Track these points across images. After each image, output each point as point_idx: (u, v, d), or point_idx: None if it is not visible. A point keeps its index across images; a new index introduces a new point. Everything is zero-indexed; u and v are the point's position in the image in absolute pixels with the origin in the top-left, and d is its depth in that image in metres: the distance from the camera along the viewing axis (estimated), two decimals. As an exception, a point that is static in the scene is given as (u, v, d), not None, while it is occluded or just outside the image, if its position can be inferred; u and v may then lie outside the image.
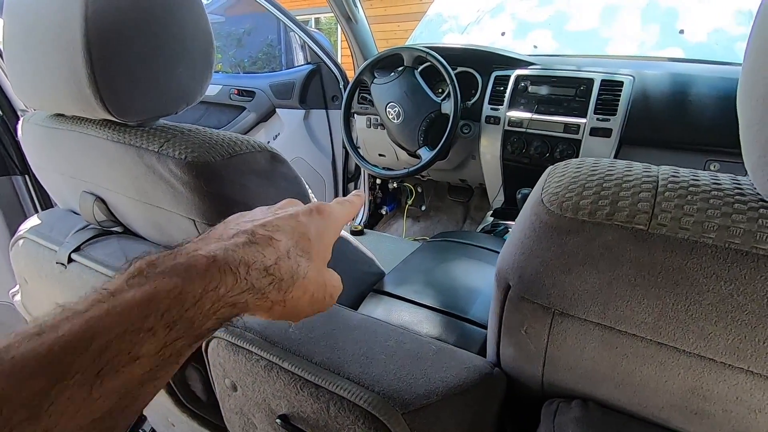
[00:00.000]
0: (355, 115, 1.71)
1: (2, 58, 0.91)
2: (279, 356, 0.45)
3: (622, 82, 1.21)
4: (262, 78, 1.91)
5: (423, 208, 2.16)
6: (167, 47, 0.53)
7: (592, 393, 0.38)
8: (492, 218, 1.48)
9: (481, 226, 1.49)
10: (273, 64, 4.05)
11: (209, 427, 0.63)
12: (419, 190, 2.12)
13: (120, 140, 0.56)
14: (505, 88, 1.40)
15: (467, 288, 0.78)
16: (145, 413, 0.93)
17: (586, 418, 0.36)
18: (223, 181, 0.53)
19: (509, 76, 1.40)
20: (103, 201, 0.66)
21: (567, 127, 1.29)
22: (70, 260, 0.63)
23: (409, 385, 0.41)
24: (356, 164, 2.04)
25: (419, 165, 1.36)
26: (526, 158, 1.41)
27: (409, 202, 2.10)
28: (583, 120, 1.25)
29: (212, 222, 0.54)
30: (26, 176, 0.99)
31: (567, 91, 1.30)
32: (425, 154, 1.36)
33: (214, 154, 0.53)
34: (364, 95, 1.63)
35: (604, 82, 1.23)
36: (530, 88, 1.36)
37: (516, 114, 1.37)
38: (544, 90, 1.34)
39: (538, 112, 1.34)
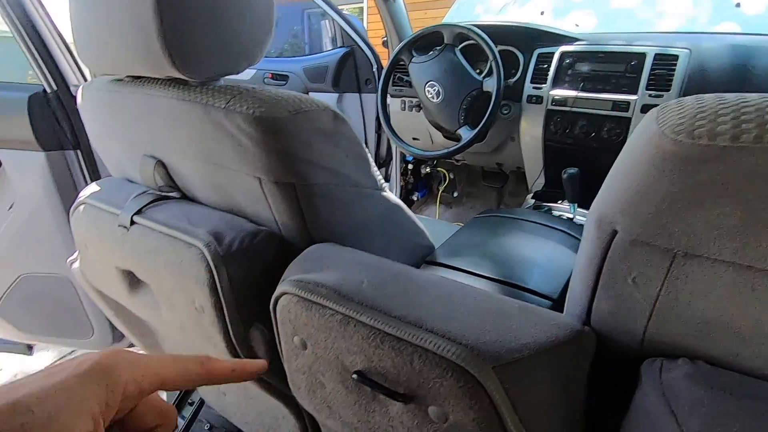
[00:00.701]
0: (389, 98, 1.69)
1: (58, 32, 0.93)
2: (356, 310, 0.44)
3: (677, 56, 1.15)
4: (296, 62, 1.91)
5: (455, 194, 2.12)
6: (232, 5, 0.52)
7: (702, 348, 0.35)
8: (533, 200, 1.44)
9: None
10: (299, 54, 4.06)
11: (270, 390, 0.63)
12: (452, 176, 2.09)
13: (185, 98, 0.55)
14: (549, 66, 1.35)
15: (525, 260, 0.75)
16: (194, 383, 0.94)
17: (698, 375, 0.34)
18: (289, 136, 0.52)
19: (553, 54, 1.35)
20: (163, 165, 0.66)
21: (616, 104, 1.23)
22: (132, 223, 0.63)
23: (498, 340, 0.39)
24: (387, 149, 2.02)
25: (460, 144, 1.33)
26: (569, 138, 1.36)
27: (442, 187, 2.07)
28: (634, 97, 1.20)
29: (278, 180, 0.53)
30: (78, 151, 1.01)
31: (616, 67, 1.25)
32: (465, 133, 1.33)
33: (281, 109, 0.52)
34: (401, 76, 1.60)
35: (658, 57, 1.17)
36: (576, 66, 1.32)
37: (560, 92, 1.32)
38: (590, 67, 1.29)
39: (584, 89, 1.29)
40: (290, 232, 0.59)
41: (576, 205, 1.27)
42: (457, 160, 1.90)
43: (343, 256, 0.54)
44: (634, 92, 1.20)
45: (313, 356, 0.50)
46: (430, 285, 0.48)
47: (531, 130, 1.44)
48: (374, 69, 1.83)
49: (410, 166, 2.01)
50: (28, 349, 1.41)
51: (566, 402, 0.40)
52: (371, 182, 0.64)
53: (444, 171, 2.04)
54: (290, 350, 0.52)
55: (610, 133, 1.27)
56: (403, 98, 1.66)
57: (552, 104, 1.34)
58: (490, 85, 1.28)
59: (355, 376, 0.44)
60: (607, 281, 0.37)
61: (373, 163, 0.64)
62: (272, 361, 0.61)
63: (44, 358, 2.00)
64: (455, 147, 1.35)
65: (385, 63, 1.53)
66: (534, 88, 1.38)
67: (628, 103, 1.21)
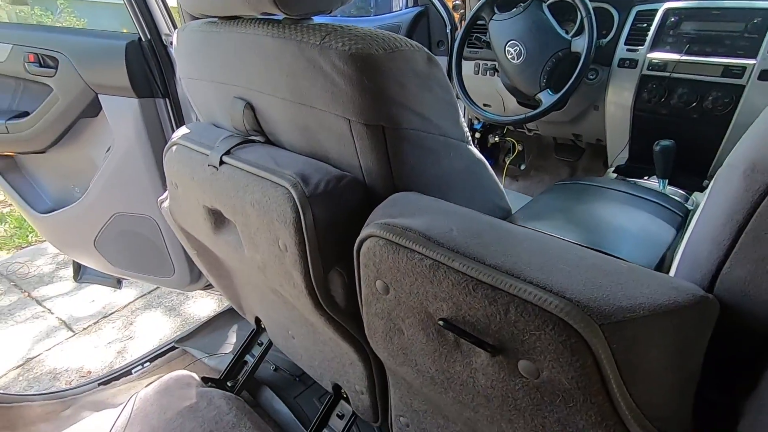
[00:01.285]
0: (462, 60, 1.61)
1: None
2: (447, 256, 0.42)
3: (813, 12, 0.98)
4: (368, 21, 1.87)
5: (522, 167, 2.03)
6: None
7: None
8: (615, 175, 1.33)
9: (600, 183, 1.35)
10: (363, 15, 3.99)
11: (342, 334, 0.64)
12: (521, 147, 1.99)
13: (280, 36, 0.55)
14: (649, 26, 1.21)
15: (615, 228, 0.70)
16: (265, 326, 0.99)
17: None
18: (384, 76, 0.50)
19: (655, 11, 1.21)
20: (251, 108, 0.67)
21: (728, 70, 1.09)
22: (221, 163, 0.65)
23: (607, 297, 0.36)
24: (456, 116, 1.95)
25: (539, 110, 1.24)
26: (664, 108, 1.23)
27: (509, 159, 1.98)
28: (752, 61, 1.05)
29: (368, 122, 0.52)
30: (167, 99, 1.07)
31: (734, 27, 1.09)
32: (546, 98, 1.24)
33: (377, 47, 0.50)
34: (478, 36, 1.52)
35: (790, 13, 1.01)
36: (682, 25, 1.17)
37: (659, 56, 1.18)
38: (699, 26, 1.14)
39: (689, 52, 1.15)
40: (374, 179, 0.58)
41: (666, 181, 1.16)
42: (530, 130, 1.80)
43: (429, 204, 0.52)
44: (753, 56, 1.05)
45: (395, 301, 0.49)
46: (525, 237, 0.45)
47: (619, 97, 1.32)
48: (448, 30, 1.74)
49: (477, 135, 1.94)
50: (118, 283, 1.56)
51: (679, 371, 0.37)
52: (459, 133, 0.61)
53: (513, 141, 1.95)
54: (370, 294, 0.52)
55: (715, 103, 1.13)
56: (477, 61, 1.58)
57: (648, 69, 1.21)
58: (580, 45, 1.17)
59: (440, 323, 0.43)
60: (750, 241, 0.32)
61: (461, 114, 0.61)
62: (349, 305, 0.62)
63: (129, 294, 2.22)
64: (533, 112, 1.27)
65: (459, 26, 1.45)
66: (628, 50, 1.25)
67: (743, 68, 1.07)
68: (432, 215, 0.49)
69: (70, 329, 2.03)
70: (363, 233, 0.50)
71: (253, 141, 0.70)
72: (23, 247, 2.69)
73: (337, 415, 0.85)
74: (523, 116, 1.28)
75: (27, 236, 2.78)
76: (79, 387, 1.12)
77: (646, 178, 1.28)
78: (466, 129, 0.63)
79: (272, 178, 0.58)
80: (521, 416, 0.42)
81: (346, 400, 0.83)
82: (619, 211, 0.75)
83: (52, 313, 2.13)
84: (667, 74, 1.19)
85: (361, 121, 0.52)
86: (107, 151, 1.13)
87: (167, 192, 0.86)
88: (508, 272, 0.39)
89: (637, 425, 0.35)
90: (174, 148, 0.76)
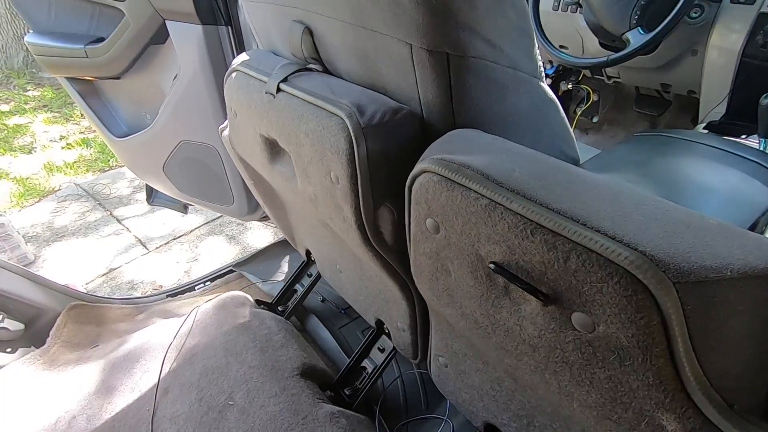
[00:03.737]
0: (540, -6, 1.44)
1: None
2: (506, 197, 0.39)
3: None
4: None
5: (595, 119, 1.85)
6: None
7: None
8: (706, 132, 1.18)
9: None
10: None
11: (388, 271, 0.64)
12: (596, 96, 1.81)
13: (343, -51, 0.50)
14: (780, -51, 1.00)
15: (701, 187, 0.62)
16: (315, 258, 1.02)
17: None
18: (454, -6, 0.45)
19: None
20: (310, 33, 0.64)
21: None
22: (278, 90, 0.64)
23: (688, 253, 0.31)
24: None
25: (625, 51, 1.10)
26: (783, 54, 1.04)
27: (581, 109, 1.82)
28: None
29: (432, 47, 0.48)
30: (229, 27, 1.06)
31: None
32: (636, 37, 1.09)
33: (449, -40, 0.44)
34: (563, -36, 1.34)
35: None
36: (828, -53, 0.95)
37: (789, -12, 0.98)
38: None
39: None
40: (433, 113, 0.54)
41: (770, 141, 1.01)
42: (609, 77, 1.62)
43: (490, 142, 0.48)
44: None
45: (445, 241, 0.48)
46: (596, 184, 0.41)
47: (725, 40, 1.13)
48: (528, -43, 1.55)
49: (548, 82, 1.78)
50: (184, 208, 1.67)
51: (761, 343, 0.33)
52: (531, 67, 0.55)
53: (588, 89, 1.77)
54: (419, 233, 0.51)
55: None
56: (559, -6, 1.41)
57: (771, 5, 1.02)
58: (688, -28, 1.00)
59: (491, 266, 0.41)
60: None
61: (536, 45, 0.55)
62: (396, 242, 0.61)
63: (195, 220, 2.39)
64: (618, 54, 1.13)
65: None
66: (749, -19, 1.05)
67: None
68: (493, 154, 0.46)
69: (145, 247, 2.24)
70: (417, 168, 0.48)
71: (310, 69, 0.68)
72: (105, 171, 2.94)
73: (378, 348, 0.88)
74: (605, 59, 1.14)
75: (108, 161, 3.03)
76: (151, 296, 1.26)
77: (743, 137, 1.12)
78: (540, 63, 0.57)
79: (327, 107, 0.56)
80: (568, 369, 0.40)
81: (388, 335, 0.86)
82: (707, 169, 0.66)
83: (130, 232, 2.36)
84: (795, 12, 0.99)
85: (423, 47, 0.48)
86: (174, 78, 1.16)
87: (227, 120, 0.88)
88: (574, 218, 0.36)
89: (701, 393, 0.32)
90: (234, 74, 0.76)
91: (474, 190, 0.42)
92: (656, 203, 0.38)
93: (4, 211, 2.42)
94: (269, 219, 1.38)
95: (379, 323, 0.86)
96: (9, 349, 0.97)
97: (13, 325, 0.96)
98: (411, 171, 0.49)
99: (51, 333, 1.00)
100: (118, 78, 1.26)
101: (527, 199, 0.38)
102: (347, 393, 0.88)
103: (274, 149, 0.74)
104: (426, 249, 0.51)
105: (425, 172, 0.46)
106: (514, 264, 0.40)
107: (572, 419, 0.47)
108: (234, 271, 1.29)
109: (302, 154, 0.64)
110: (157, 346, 0.93)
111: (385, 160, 0.55)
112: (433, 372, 0.74)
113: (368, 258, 0.65)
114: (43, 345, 0.98)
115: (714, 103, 1.26)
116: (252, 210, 1.33)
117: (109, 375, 0.89)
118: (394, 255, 0.62)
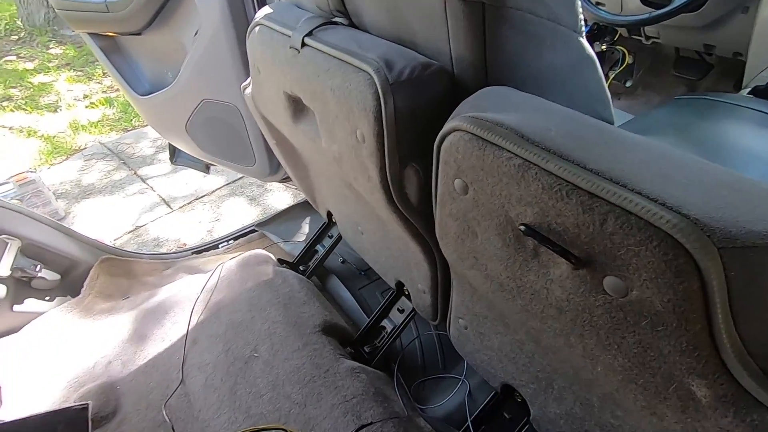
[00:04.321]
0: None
1: None
2: (541, 156, 0.38)
3: None
4: None
5: (628, 83, 1.76)
6: None
7: None
8: (751, 97, 1.11)
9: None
10: None
11: (411, 233, 0.64)
12: (631, 59, 1.70)
13: None
14: None
15: (745, 150, 0.58)
16: (336, 220, 1.03)
17: None
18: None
19: None
20: (336, -18, 0.61)
21: None
22: (303, 45, 0.62)
23: (735, 219, 0.30)
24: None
25: (669, 8, 1.02)
26: None
27: (615, 72, 1.72)
28: None
29: (468, -4, 0.45)
30: (251, -22, 1.03)
31: None
32: (683, -8, 1.00)
33: None
34: None
35: None
36: None
37: None
38: None
39: None
40: (465, 69, 0.52)
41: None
42: (648, 37, 1.52)
43: (525, 101, 0.46)
44: None
45: (473, 203, 0.47)
46: (636, 145, 0.39)
47: (785, -5, 1.04)
48: None
49: (582, 41, 1.68)
50: (206, 168, 1.69)
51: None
52: (572, 20, 0.52)
53: (624, 50, 1.67)
54: (447, 193, 0.50)
55: None
56: (600, -57, 1.30)
57: (841, -46, 0.92)
58: None
59: (522, 228, 0.40)
60: None
61: (579, -5, 0.51)
62: (421, 203, 0.61)
63: (216, 181, 2.42)
64: (660, 11, 1.05)
65: None
66: (818, -74, 0.95)
67: None
68: (527, 112, 0.44)
69: (169, 206, 2.30)
70: (447, 126, 0.46)
71: (336, 23, 0.65)
72: (128, 130, 2.98)
73: (398, 309, 0.90)
74: (647, 16, 1.07)
75: (131, 120, 3.06)
76: (177, 253, 1.30)
77: (792, 103, 1.05)
78: (581, 16, 0.53)
79: (354, 62, 0.54)
80: (595, 333, 0.40)
81: (408, 297, 0.87)
82: (754, 134, 0.63)
83: (154, 191, 2.41)
84: None
85: (459, -4, 0.45)
86: (195, 34, 1.14)
87: (250, 78, 0.86)
88: (613, 179, 0.34)
89: (737, 360, 0.31)
90: (257, 28, 0.74)
91: (507, 150, 0.40)
92: (700, 165, 0.36)
93: (35, 169, 2.49)
94: (290, 180, 1.38)
95: (400, 285, 0.87)
96: (47, 298, 1.03)
97: (50, 275, 1.01)
98: (440, 130, 0.48)
99: (85, 284, 1.05)
100: (139, 34, 1.25)
101: (563, 159, 0.37)
102: (366, 350, 0.90)
103: (297, 107, 0.73)
104: (452, 210, 0.51)
105: (456, 130, 0.45)
106: (545, 226, 0.39)
107: (594, 383, 0.48)
108: (256, 231, 1.32)
109: (327, 112, 0.63)
110: (184, 299, 0.97)
111: (413, 118, 0.53)
112: (452, 333, 0.75)
113: (392, 219, 0.65)
114: (78, 295, 1.04)
115: (762, 67, 1.17)
116: (273, 171, 1.33)
117: (140, 324, 0.93)
118: (418, 216, 0.62)
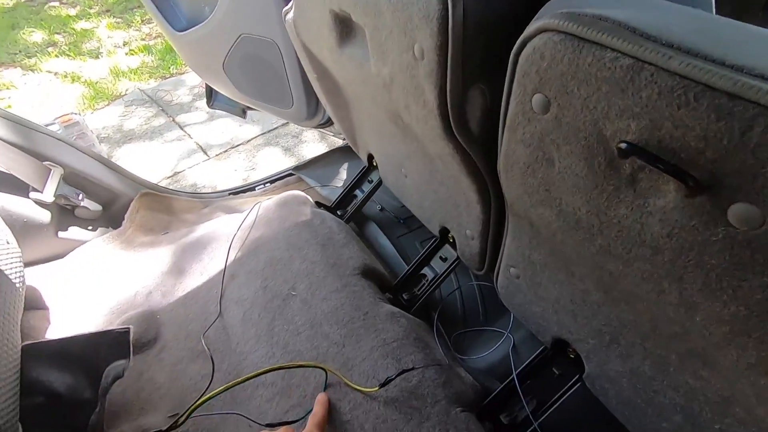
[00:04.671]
0: None
1: None
2: (660, 53, 0.30)
3: None
4: None
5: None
6: None
7: None
8: None
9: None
10: None
11: (466, 167, 0.58)
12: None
13: None
14: None
15: None
16: (377, 163, 0.97)
17: None
18: None
19: None
20: None
21: None
22: (356, -53, 0.55)
23: None
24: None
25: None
26: None
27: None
28: None
29: None
30: None
31: None
32: None
33: None
34: None
35: None
36: None
37: None
38: None
39: None
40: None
41: None
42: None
43: (631, -4, 0.38)
44: None
45: (554, 122, 0.40)
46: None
47: None
48: None
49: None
50: (243, 113, 1.65)
51: None
52: None
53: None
54: (520, 114, 0.43)
55: None
56: None
57: None
58: None
59: (622, 146, 0.33)
60: None
61: None
62: (483, 131, 0.54)
63: (252, 130, 2.40)
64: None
65: None
66: None
67: None
68: (636, 8, 0.35)
69: (206, 153, 2.30)
70: (531, 28, 0.39)
71: None
72: (166, 78, 2.98)
73: (440, 257, 0.85)
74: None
75: (169, 68, 3.05)
76: (214, 193, 1.29)
77: None
78: None
79: (418, -41, 0.47)
80: (702, 276, 0.34)
81: (452, 244, 0.82)
82: None
83: (191, 138, 2.42)
84: None
85: None
86: (233, -42, 1.07)
87: (292, 2, 0.79)
88: (762, 75, 0.27)
89: None
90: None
91: (613, 48, 0.33)
92: None
93: (79, 112, 2.54)
94: (327, 125, 1.32)
95: (444, 231, 0.82)
96: (90, 227, 1.04)
97: (92, 206, 1.02)
98: (513, 44, 0.41)
99: (126, 216, 1.05)
100: (176, -38, 1.18)
101: (692, 55, 0.29)
102: (405, 298, 0.87)
103: (344, 28, 0.66)
104: (526, 134, 0.44)
105: (544, 30, 0.37)
106: (654, 143, 0.32)
107: (680, 337, 0.42)
108: (293, 175, 1.28)
109: (380, 27, 0.55)
110: (222, 236, 0.96)
111: (485, 26, 0.46)
112: (500, 284, 0.70)
113: (445, 153, 0.59)
114: (119, 227, 1.05)
115: None
116: (311, 114, 1.28)
117: (179, 258, 0.93)
118: (477, 147, 0.55)
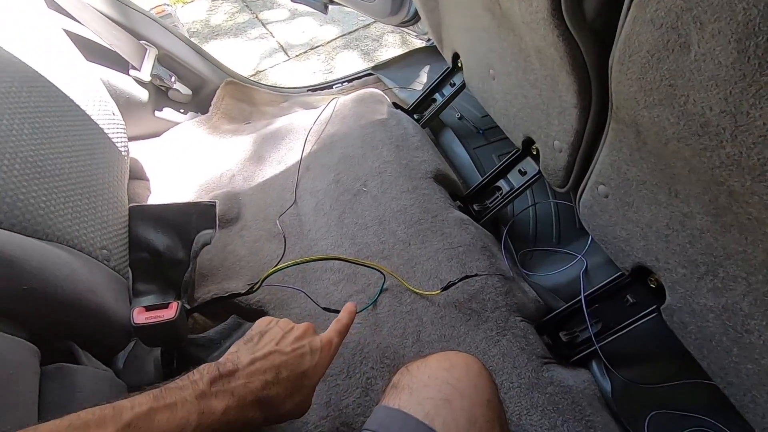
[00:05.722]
0: None
1: None
2: None
3: None
4: None
5: None
6: None
7: None
8: None
9: None
10: None
11: (570, 61, 0.50)
12: None
13: None
14: None
15: None
16: (462, 63, 0.89)
17: None
18: None
19: None
20: None
21: None
22: None
23: None
24: None
25: None
26: None
27: None
28: None
29: None
30: None
31: None
32: None
33: None
34: None
35: None
36: None
37: None
38: None
39: None
40: None
41: None
42: None
43: None
44: None
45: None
46: None
47: None
48: None
49: None
50: (324, 8, 1.58)
51: None
52: None
53: None
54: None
55: None
56: None
57: None
58: None
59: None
60: None
61: None
62: (599, 15, 0.46)
63: (331, 31, 2.32)
64: None
65: None
66: None
67: None
68: None
69: (286, 53, 2.29)
70: None
71: None
72: (251, -30, 2.89)
73: (519, 170, 0.80)
74: None
75: (253, -41, 2.94)
76: (294, 88, 1.29)
77: None
78: None
79: None
80: None
81: (535, 157, 0.76)
82: None
83: (273, 37, 2.40)
84: None
85: None
86: None
87: None
88: None
89: None
90: None
91: None
92: None
93: (171, 4, 2.61)
94: (411, 24, 1.23)
95: (528, 142, 0.75)
96: (182, 110, 1.11)
97: (183, 89, 1.07)
98: None
99: (212, 103, 1.10)
100: None
101: None
102: (475, 208, 0.84)
103: None
104: (659, 11, 0.36)
105: None
106: None
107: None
108: (372, 75, 1.24)
109: None
110: (299, 129, 0.97)
111: None
112: (583, 202, 0.64)
113: (546, 44, 0.51)
114: (206, 113, 1.10)
115: None
116: (396, 9, 1.19)
117: (259, 147, 0.97)
118: (587, 34, 0.47)
